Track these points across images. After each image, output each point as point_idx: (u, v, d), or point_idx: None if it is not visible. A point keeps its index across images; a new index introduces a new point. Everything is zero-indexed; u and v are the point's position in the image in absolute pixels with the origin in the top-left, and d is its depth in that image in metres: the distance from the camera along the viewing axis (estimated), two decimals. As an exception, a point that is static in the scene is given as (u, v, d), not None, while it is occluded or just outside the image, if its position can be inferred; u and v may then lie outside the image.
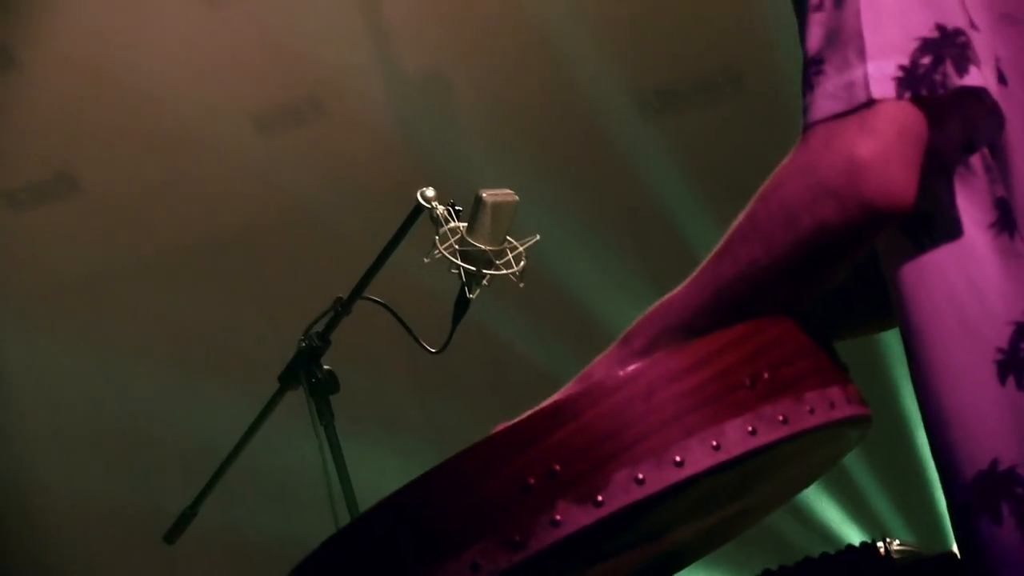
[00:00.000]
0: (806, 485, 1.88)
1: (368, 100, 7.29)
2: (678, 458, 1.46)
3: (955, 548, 5.22)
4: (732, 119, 7.32)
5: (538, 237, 3.23)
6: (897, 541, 5.37)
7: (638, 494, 1.46)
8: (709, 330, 1.57)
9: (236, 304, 7.59)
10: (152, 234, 7.55)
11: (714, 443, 1.48)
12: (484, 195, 3.14)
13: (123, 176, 7.36)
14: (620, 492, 1.45)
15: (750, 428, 1.50)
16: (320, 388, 3.37)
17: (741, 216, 1.61)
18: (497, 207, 3.14)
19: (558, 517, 1.45)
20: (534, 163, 7.19)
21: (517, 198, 3.19)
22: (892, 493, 7.01)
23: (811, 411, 1.55)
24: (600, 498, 1.45)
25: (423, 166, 7.06)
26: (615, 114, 7.34)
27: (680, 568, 1.86)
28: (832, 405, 1.58)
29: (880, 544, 1.59)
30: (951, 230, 1.62)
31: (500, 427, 1.64)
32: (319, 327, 3.42)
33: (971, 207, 1.62)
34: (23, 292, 7.62)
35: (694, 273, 1.64)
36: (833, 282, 1.61)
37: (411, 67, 7.37)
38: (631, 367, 1.51)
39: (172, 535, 3.80)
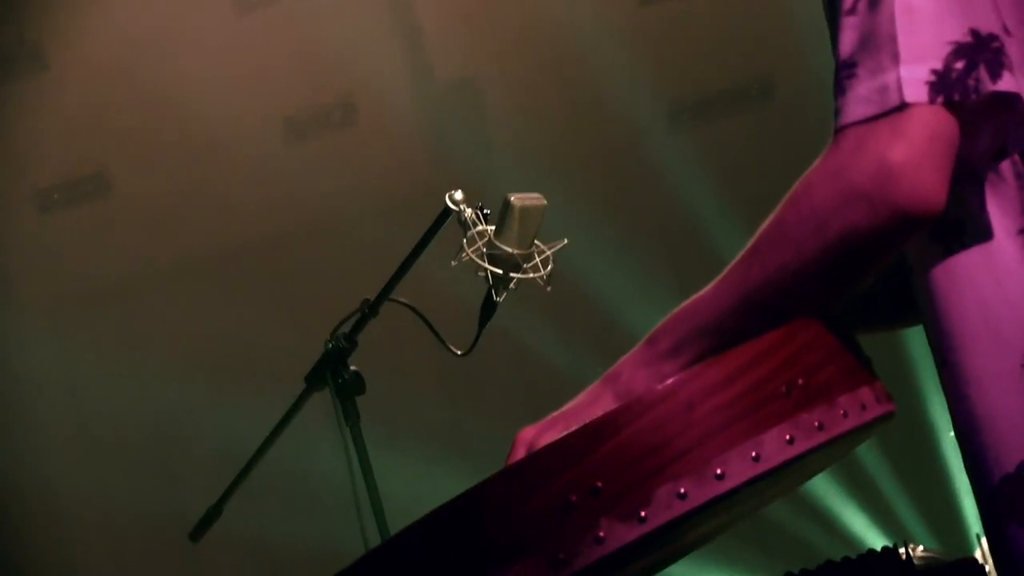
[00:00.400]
0: (820, 472, 1.89)
1: (398, 106, 7.30)
2: (719, 471, 1.48)
3: (977, 554, 5.22)
4: (762, 127, 7.31)
5: (566, 241, 3.23)
6: (921, 547, 5.36)
7: (681, 509, 1.47)
8: (738, 331, 1.58)
9: (263, 307, 7.59)
10: (181, 237, 7.56)
11: (753, 454, 1.49)
12: (512, 199, 3.14)
13: (152, 180, 7.37)
14: (663, 508, 1.47)
15: (788, 437, 1.51)
16: (346, 389, 3.37)
17: (770, 218, 1.60)
18: (525, 211, 3.14)
19: (602, 534, 1.46)
20: (563, 169, 7.18)
21: (545, 202, 3.18)
22: (915, 499, 6.99)
23: (844, 415, 1.56)
24: (644, 514, 1.46)
25: (452, 171, 7.06)
26: (645, 121, 7.33)
27: (680, 558, 1.88)
28: (863, 407, 1.59)
29: (902, 549, 1.60)
30: (981, 236, 1.62)
31: (525, 430, 1.65)
32: (346, 328, 3.42)
33: (1001, 214, 1.62)
34: (51, 295, 7.64)
35: (722, 274, 1.63)
36: (862, 286, 1.61)
37: (442, 73, 7.38)
38: (669, 381, 1.51)
39: (197, 533, 3.80)
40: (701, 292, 1.65)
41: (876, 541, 6.87)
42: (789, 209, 1.58)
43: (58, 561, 7.63)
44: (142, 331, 7.69)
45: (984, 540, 5.22)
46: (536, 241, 3.18)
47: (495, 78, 7.35)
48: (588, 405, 1.65)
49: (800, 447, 1.52)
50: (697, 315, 1.63)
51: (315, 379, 3.44)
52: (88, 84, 7.11)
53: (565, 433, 1.52)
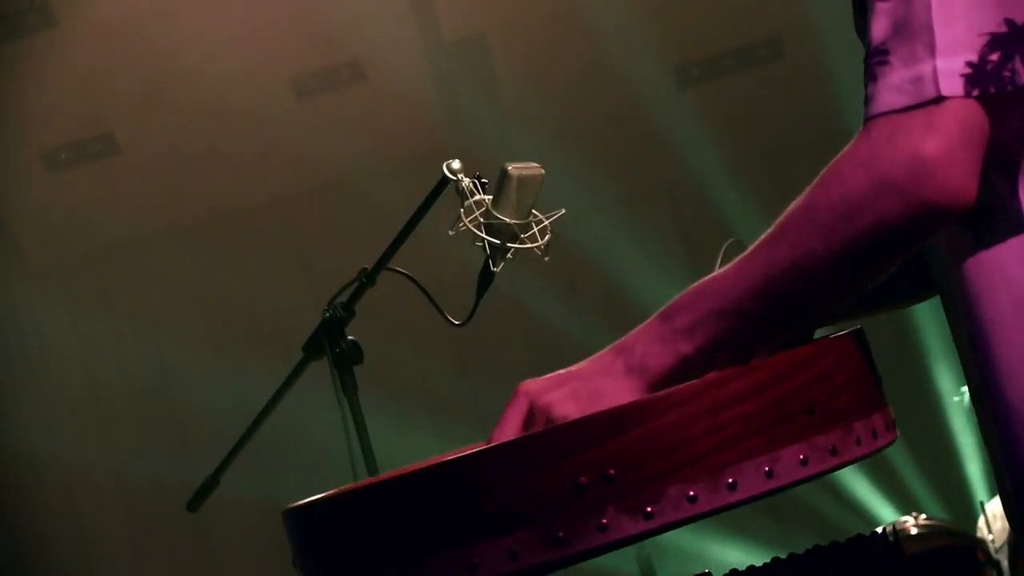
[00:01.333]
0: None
1: (406, 69, 7.28)
2: (731, 480, 1.48)
3: (980, 521, 5.19)
4: (771, 88, 7.29)
5: (564, 211, 3.21)
6: (924, 516, 5.37)
7: (688, 512, 1.47)
8: (757, 315, 1.57)
9: (272, 271, 7.60)
10: (189, 198, 7.57)
11: (767, 469, 1.49)
12: (510, 168, 3.11)
13: (161, 140, 7.38)
14: (671, 508, 1.46)
15: (802, 457, 1.51)
16: (344, 359, 3.36)
17: (798, 202, 1.57)
18: (523, 180, 3.12)
19: (605, 522, 1.45)
20: (571, 128, 7.17)
21: (543, 171, 3.16)
22: (921, 466, 7.00)
23: (858, 442, 1.57)
24: (650, 510, 1.46)
25: (460, 130, 7.06)
26: (653, 81, 7.31)
27: None
28: (875, 435, 1.60)
29: (890, 531, 1.60)
30: (1011, 223, 1.61)
31: (528, 382, 1.62)
32: (343, 297, 3.41)
33: None
34: (59, 255, 7.65)
35: (744, 255, 1.60)
36: (885, 276, 1.59)
37: (449, 33, 7.36)
38: (696, 381, 1.51)
39: (194, 504, 3.79)
40: (721, 271, 1.62)
41: (882, 508, 6.89)
42: (819, 194, 1.56)
43: (68, 523, 7.67)
44: (150, 292, 7.70)
45: (988, 507, 5.25)
46: (534, 210, 3.16)
47: (502, 37, 7.33)
48: (598, 372, 1.61)
49: (812, 469, 1.52)
50: (716, 295, 1.60)
51: (312, 349, 3.43)
52: (97, 43, 7.10)
53: (586, 414, 1.51)
